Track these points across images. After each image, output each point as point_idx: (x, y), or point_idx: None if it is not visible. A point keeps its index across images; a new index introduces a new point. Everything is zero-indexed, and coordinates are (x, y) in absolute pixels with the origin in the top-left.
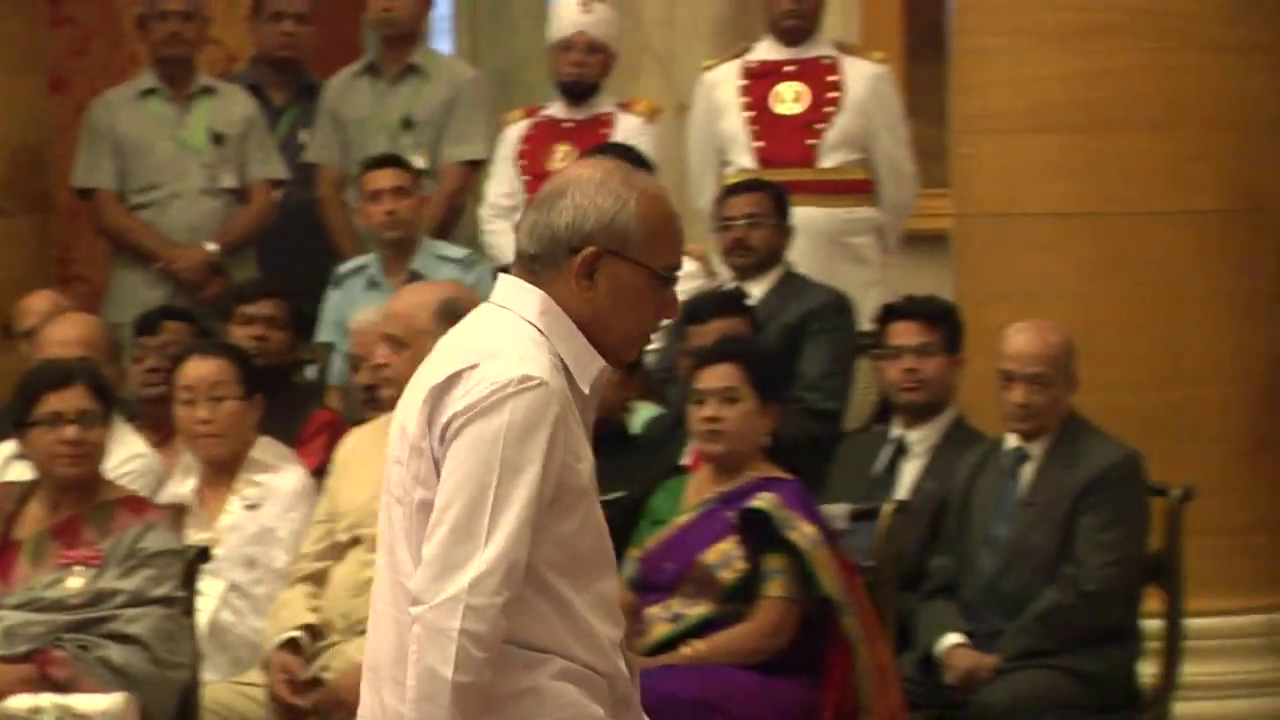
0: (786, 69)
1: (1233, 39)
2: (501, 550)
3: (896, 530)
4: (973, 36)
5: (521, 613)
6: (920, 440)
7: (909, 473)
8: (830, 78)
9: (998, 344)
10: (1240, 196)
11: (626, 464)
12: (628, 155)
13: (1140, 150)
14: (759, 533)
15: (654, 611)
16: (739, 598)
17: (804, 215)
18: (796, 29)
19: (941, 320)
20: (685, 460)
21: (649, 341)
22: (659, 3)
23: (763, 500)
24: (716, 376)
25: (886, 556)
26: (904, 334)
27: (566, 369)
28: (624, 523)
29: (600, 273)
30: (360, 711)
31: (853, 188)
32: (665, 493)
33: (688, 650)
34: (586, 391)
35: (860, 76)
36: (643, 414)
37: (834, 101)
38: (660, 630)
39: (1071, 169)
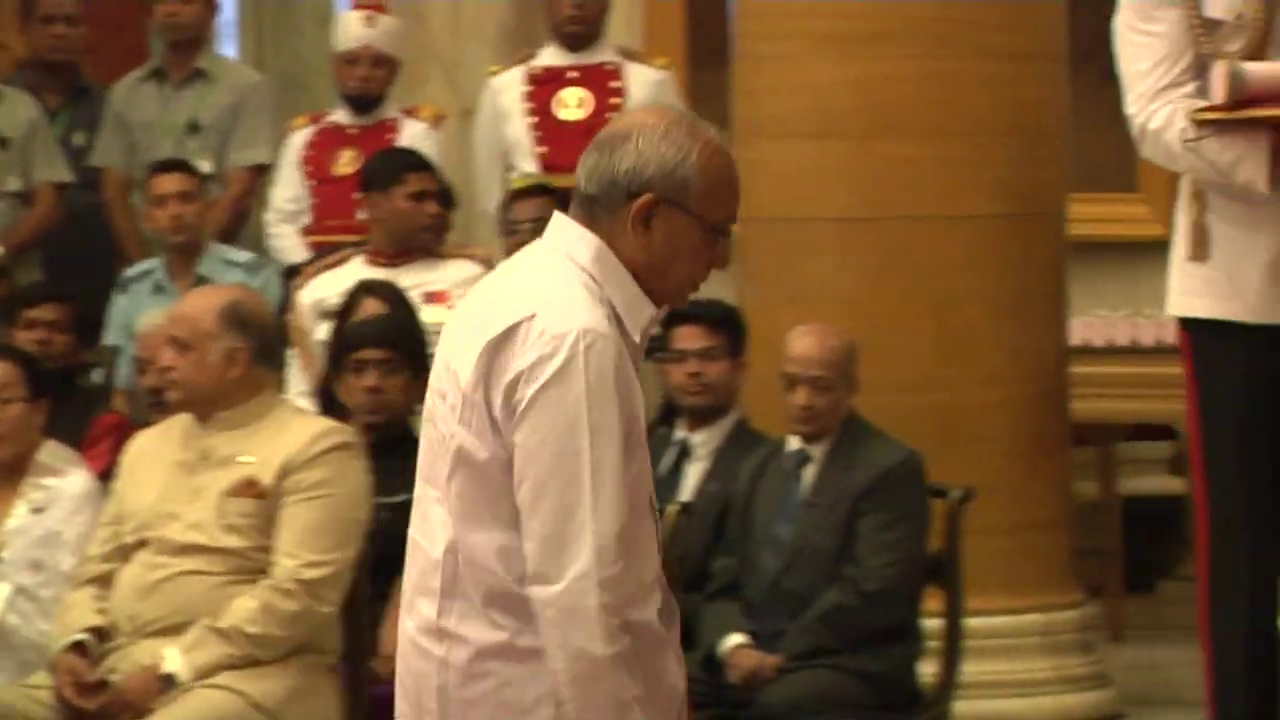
0: (570, 75)
1: (1007, 46)
2: (614, 516)
3: (681, 531)
4: (754, 43)
5: None
6: (704, 442)
7: (693, 474)
8: (613, 83)
9: (780, 347)
10: (1015, 201)
11: (413, 466)
12: (410, 158)
13: (917, 155)
14: None
15: None
16: None
17: None
18: (579, 35)
19: (725, 324)
20: None
21: (697, 290)
22: (444, 9)
23: None
24: None
25: (671, 557)
26: (688, 338)
27: (618, 316)
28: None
29: (657, 220)
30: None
31: None
32: None
33: None
34: (637, 339)
35: (643, 82)
36: None
37: (617, 107)
38: None
39: (851, 174)
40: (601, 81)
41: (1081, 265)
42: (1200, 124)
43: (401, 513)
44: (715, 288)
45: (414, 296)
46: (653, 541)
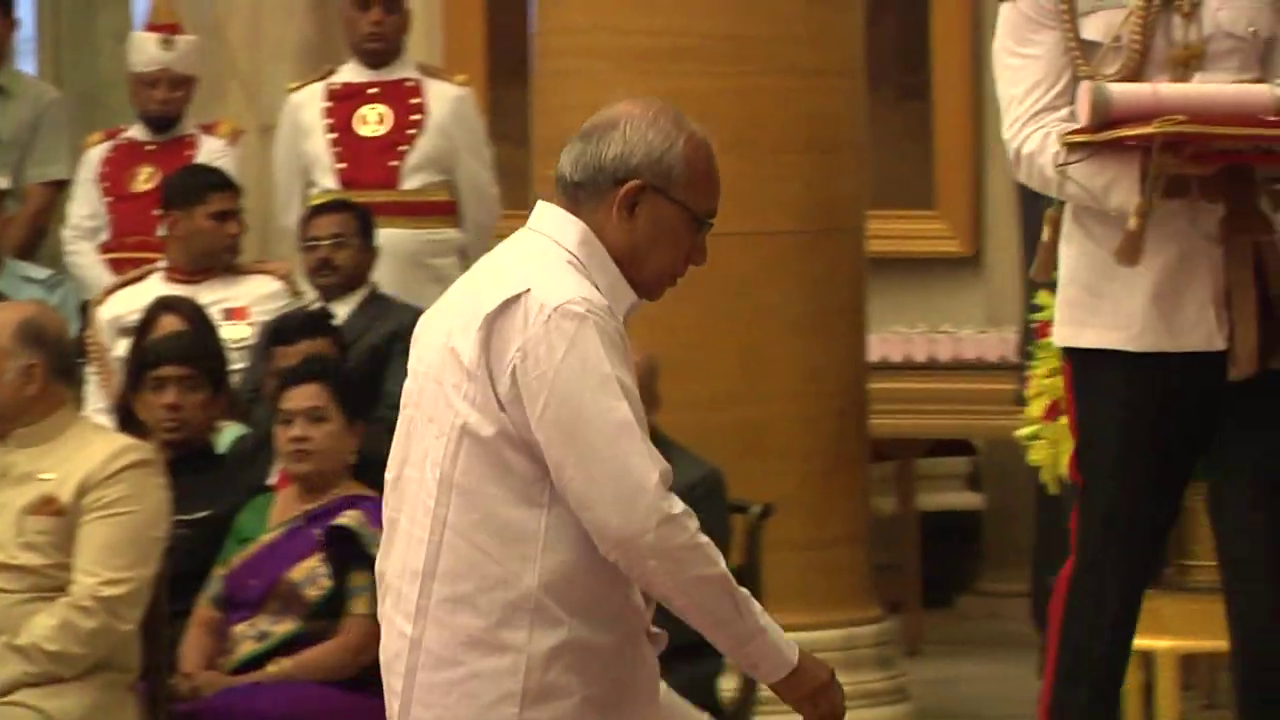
0: (370, 91)
1: (807, 62)
2: (654, 456)
3: None
4: (554, 59)
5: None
6: None
7: None
8: (413, 100)
9: None
10: (814, 217)
11: (212, 483)
12: (213, 177)
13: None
14: (345, 550)
15: (240, 629)
16: (325, 615)
17: (388, 236)
18: (379, 51)
19: None
20: (272, 479)
21: (672, 284)
22: (243, 24)
23: (348, 518)
24: (303, 396)
25: None
26: None
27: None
28: (210, 542)
29: (641, 206)
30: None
31: (436, 209)
32: (252, 511)
33: (274, 668)
34: (620, 322)
35: (443, 99)
36: (228, 433)
37: (417, 124)
38: (247, 648)
39: None
40: (401, 98)
41: (880, 281)
42: (1071, 148)
43: (202, 529)
44: None
45: (213, 313)
46: None
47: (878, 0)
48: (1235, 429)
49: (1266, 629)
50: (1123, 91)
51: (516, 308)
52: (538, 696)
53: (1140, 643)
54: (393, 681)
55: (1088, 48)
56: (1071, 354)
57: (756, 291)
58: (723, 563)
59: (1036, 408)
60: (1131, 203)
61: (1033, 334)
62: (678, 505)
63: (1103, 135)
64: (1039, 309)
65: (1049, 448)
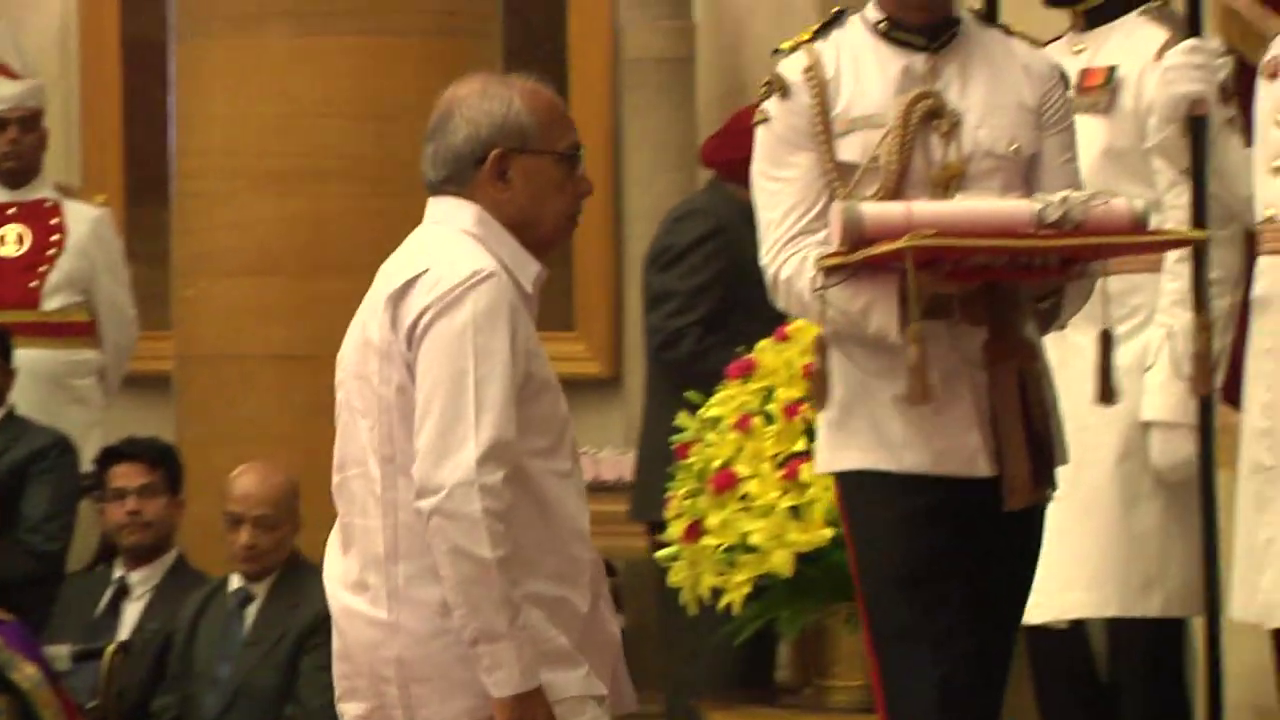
0: (9, 212)
1: None
2: (495, 426)
3: (119, 670)
4: (193, 180)
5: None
6: (143, 581)
7: (131, 613)
8: (52, 220)
9: (219, 485)
10: None
11: None
12: None
13: (357, 292)
14: None
15: None
16: None
17: (27, 357)
18: (16, 171)
19: (162, 461)
20: None
21: (576, 224)
22: None
23: None
24: None
25: (110, 696)
26: (126, 476)
27: (509, 271)
28: None
29: (511, 172)
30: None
31: (75, 330)
32: None
33: None
34: (530, 291)
35: (81, 219)
36: None
37: (56, 244)
38: None
39: (291, 311)
40: (40, 218)
41: None
42: (828, 271)
43: None
44: (154, 424)
45: None
46: (571, 488)
47: None
48: (986, 559)
49: None
50: (875, 210)
51: (415, 285)
52: None
53: None
54: (381, 670)
55: (845, 169)
56: (838, 478)
57: None
58: (498, 554)
59: (676, 529)
60: (890, 326)
61: (673, 455)
62: (489, 477)
63: (856, 255)
64: (678, 430)
65: (688, 569)
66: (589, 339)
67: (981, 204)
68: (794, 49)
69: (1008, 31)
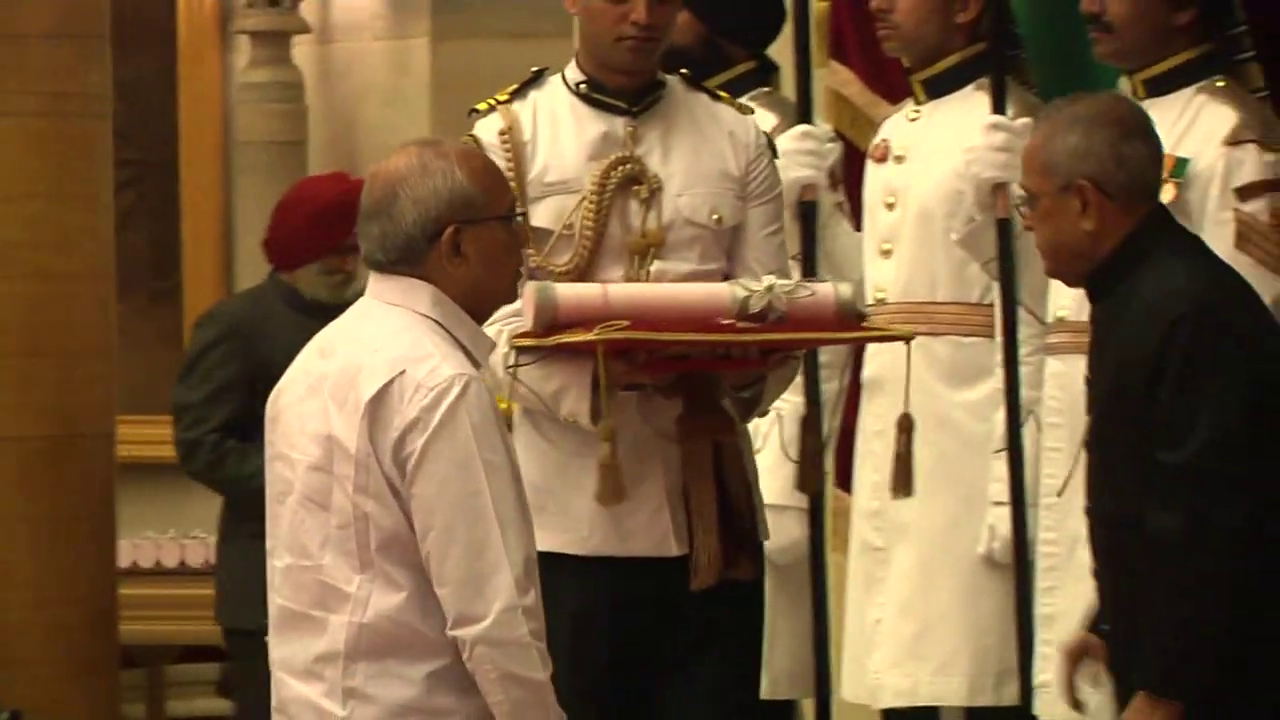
0: None
1: (57, 267)
2: (522, 545)
3: None
4: None
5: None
6: None
7: None
8: None
9: None
10: (62, 422)
11: None
12: None
13: None
14: None
15: None
16: None
17: None
18: None
19: None
20: None
21: (522, 278)
22: None
23: None
24: None
25: None
26: None
27: (468, 353)
28: None
29: (465, 244)
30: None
31: None
32: None
33: None
34: (484, 366)
35: None
36: None
37: None
38: None
39: None
40: None
41: (130, 486)
42: (521, 350)
43: None
44: None
45: None
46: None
47: (129, 205)
48: (686, 647)
49: None
50: (569, 294)
51: (393, 390)
52: None
53: None
54: None
55: (539, 235)
56: None
57: (5, 498)
58: (547, 674)
59: None
60: (583, 412)
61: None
62: (527, 599)
63: (548, 340)
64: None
65: None
66: None
67: (681, 289)
68: (490, 109)
69: (714, 96)
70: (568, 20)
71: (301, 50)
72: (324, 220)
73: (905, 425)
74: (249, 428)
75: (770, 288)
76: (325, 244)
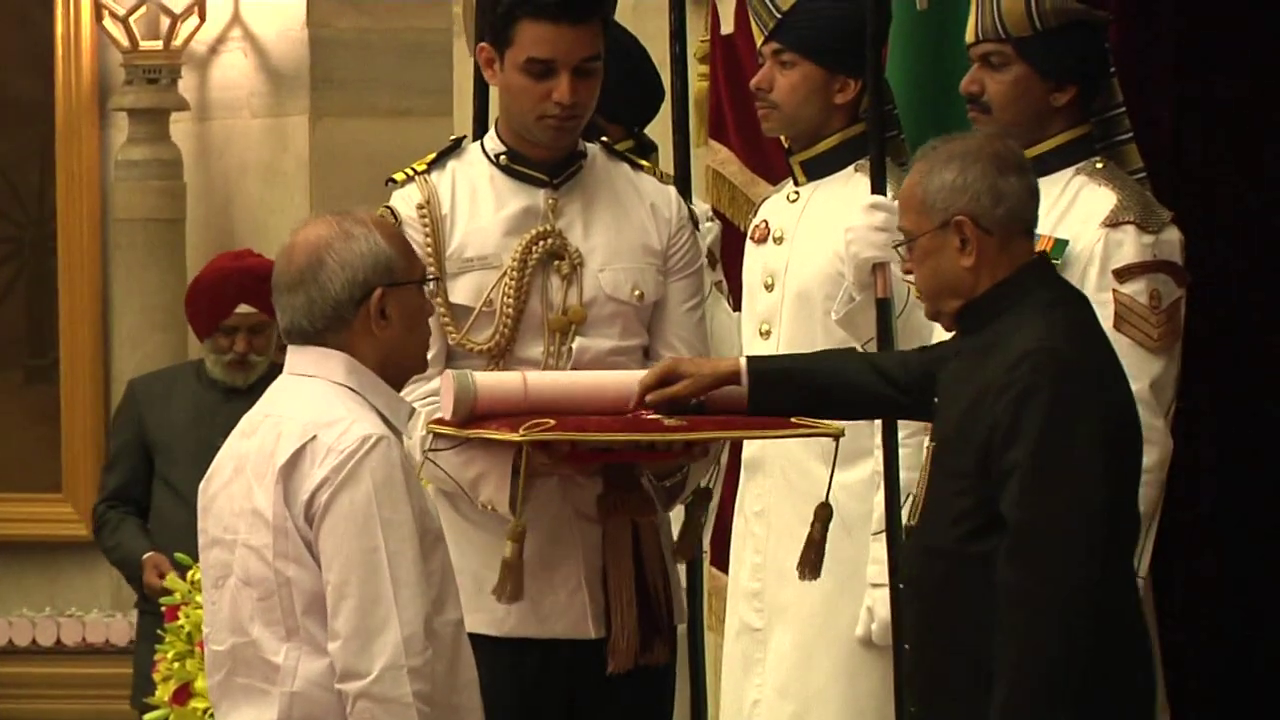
0: None
1: None
2: (416, 606)
3: None
4: None
5: None
6: None
7: None
8: None
9: None
10: None
11: None
12: None
13: None
14: None
15: None
16: None
17: None
18: None
19: None
20: None
21: (429, 349)
22: None
23: None
24: None
25: None
26: None
27: (386, 420)
28: None
29: (389, 308)
30: None
31: None
32: None
33: None
34: (402, 430)
35: None
36: None
37: None
38: None
39: None
40: None
41: (5, 565)
42: (438, 436)
43: None
44: None
45: None
46: (464, 637)
47: (5, 281)
48: None
49: None
50: (488, 383)
51: (304, 456)
52: None
53: None
54: None
55: (457, 312)
56: None
57: None
58: None
59: (165, 691)
60: (501, 501)
61: (162, 618)
62: (416, 659)
63: (467, 433)
64: (169, 593)
65: None
66: (75, 500)
67: (601, 378)
68: (408, 179)
69: (635, 166)
70: (447, 99)
71: (180, 128)
72: (203, 298)
73: (823, 516)
74: (141, 498)
75: None
76: (209, 322)
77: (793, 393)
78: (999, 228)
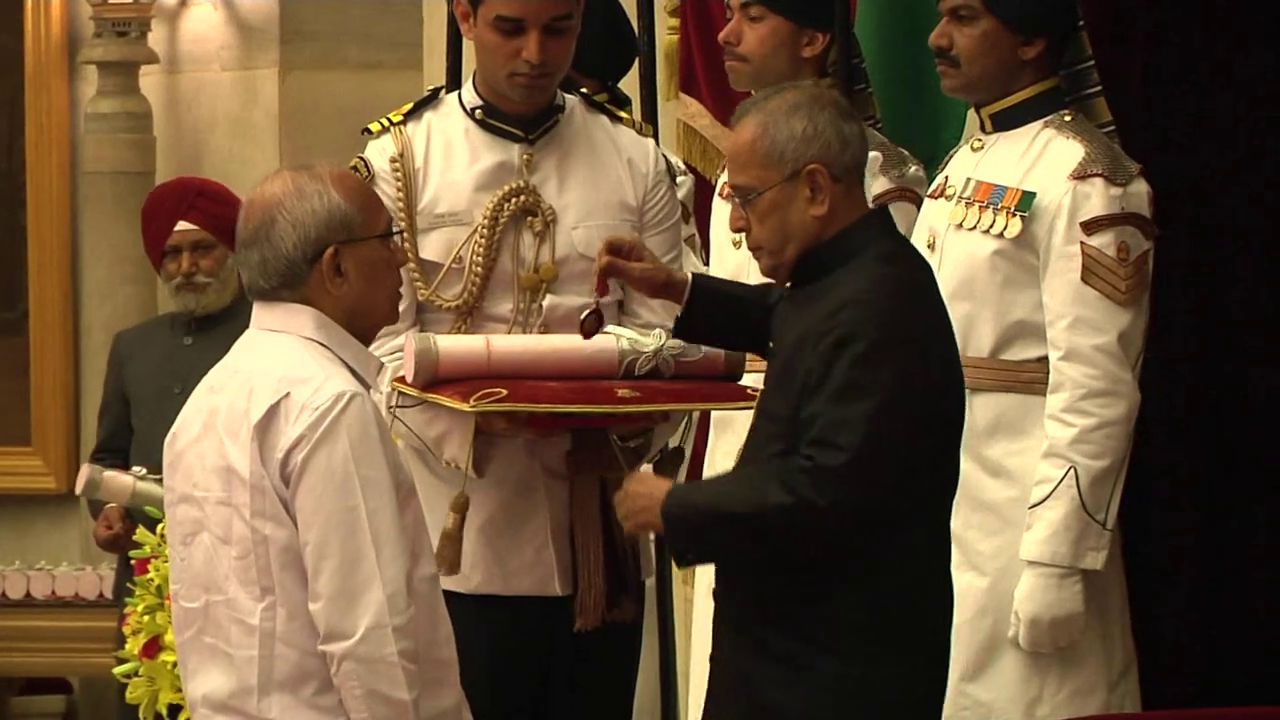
0: None
1: None
2: (397, 564)
3: None
4: None
5: None
6: None
7: None
8: None
9: None
10: None
11: None
12: None
13: None
14: None
15: None
16: None
17: None
18: None
19: None
20: None
21: (400, 299)
22: None
23: None
24: None
25: None
26: None
27: (355, 373)
28: None
29: (345, 263)
30: None
31: None
32: None
33: None
34: (373, 385)
35: None
36: None
37: None
38: None
39: None
40: None
41: None
42: (402, 394)
43: None
44: None
45: None
46: (439, 591)
47: None
48: (565, 688)
49: None
50: (451, 349)
51: (279, 412)
52: None
53: None
54: None
55: (428, 268)
56: None
57: None
58: (413, 694)
59: (134, 645)
60: (463, 458)
61: (132, 570)
62: (400, 618)
63: (426, 396)
64: (139, 546)
65: (147, 685)
66: (45, 453)
67: (566, 346)
68: (384, 130)
69: (614, 118)
70: (417, 52)
71: (149, 80)
72: (149, 226)
73: None
74: (126, 448)
75: (658, 350)
76: (155, 248)
77: (716, 313)
78: (846, 174)
